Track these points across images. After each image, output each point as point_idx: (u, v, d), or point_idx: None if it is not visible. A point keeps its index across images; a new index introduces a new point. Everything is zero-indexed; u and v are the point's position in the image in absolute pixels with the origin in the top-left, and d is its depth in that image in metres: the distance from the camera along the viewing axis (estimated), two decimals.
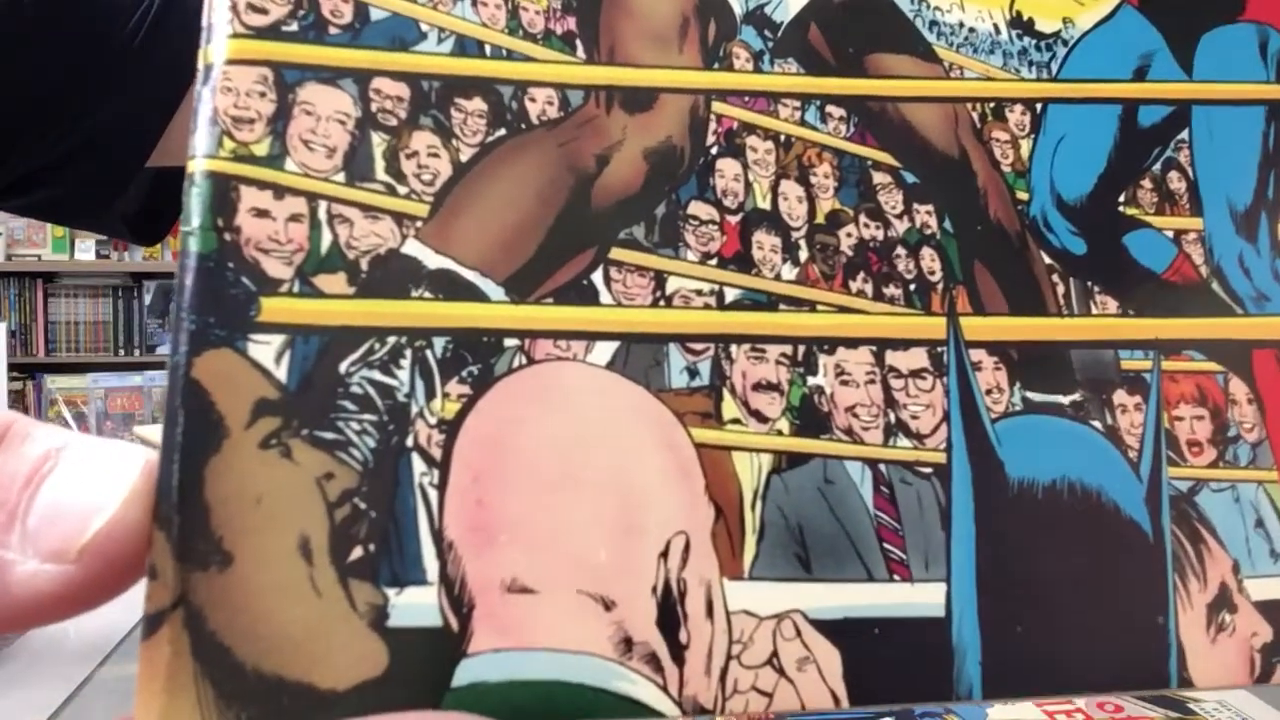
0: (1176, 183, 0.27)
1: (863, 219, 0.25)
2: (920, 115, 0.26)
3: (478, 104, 0.23)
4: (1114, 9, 0.28)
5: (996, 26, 0.27)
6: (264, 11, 0.22)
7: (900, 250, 0.25)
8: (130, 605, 0.18)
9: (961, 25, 0.27)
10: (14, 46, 0.51)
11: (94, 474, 0.19)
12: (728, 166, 0.24)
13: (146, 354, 3.66)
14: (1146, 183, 0.27)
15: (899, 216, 0.25)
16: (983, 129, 0.26)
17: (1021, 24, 0.27)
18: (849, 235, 0.25)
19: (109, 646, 0.68)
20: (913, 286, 0.25)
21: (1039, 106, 0.27)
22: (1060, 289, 0.26)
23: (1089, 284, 0.26)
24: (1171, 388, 0.26)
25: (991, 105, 0.27)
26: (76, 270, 3.63)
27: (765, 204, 0.25)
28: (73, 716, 0.58)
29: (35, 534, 0.19)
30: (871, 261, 0.25)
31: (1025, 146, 0.27)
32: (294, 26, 0.22)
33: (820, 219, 0.25)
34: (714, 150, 0.24)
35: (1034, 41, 0.27)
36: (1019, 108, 0.27)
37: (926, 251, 0.25)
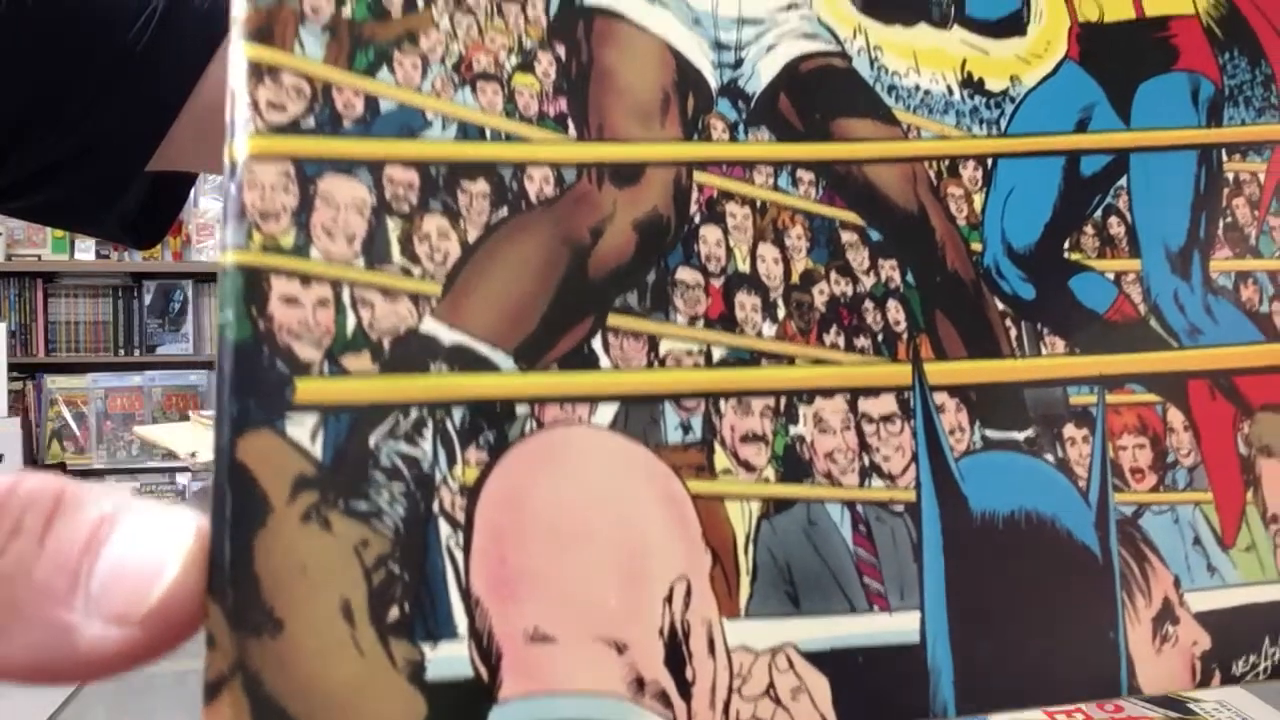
0: (1116, 227, 0.30)
1: (833, 276, 0.27)
2: (882, 175, 0.28)
3: (481, 185, 0.25)
4: (1057, 65, 0.30)
5: (949, 88, 0.29)
6: (282, 109, 0.24)
7: (868, 304, 0.27)
8: None
9: (918, 88, 0.29)
10: (15, 47, 0.50)
11: (150, 539, 0.21)
12: (710, 233, 0.26)
13: (146, 354, 3.63)
14: (1089, 229, 0.30)
15: (866, 272, 0.28)
16: (939, 185, 0.29)
17: (972, 84, 0.30)
18: (821, 292, 0.27)
19: None
20: (880, 337, 0.27)
21: (990, 162, 0.29)
22: (1013, 332, 0.28)
23: (1038, 326, 0.29)
24: (1115, 420, 0.29)
25: (946, 163, 0.29)
26: (76, 270, 3.59)
27: (745, 267, 0.27)
28: (73, 716, 0.59)
29: (99, 598, 0.20)
30: (843, 316, 0.27)
31: (978, 200, 0.29)
32: (311, 122, 0.24)
33: (795, 279, 0.27)
34: (697, 218, 0.26)
35: (984, 100, 0.30)
36: (971, 164, 0.29)
37: (892, 303, 0.27)
